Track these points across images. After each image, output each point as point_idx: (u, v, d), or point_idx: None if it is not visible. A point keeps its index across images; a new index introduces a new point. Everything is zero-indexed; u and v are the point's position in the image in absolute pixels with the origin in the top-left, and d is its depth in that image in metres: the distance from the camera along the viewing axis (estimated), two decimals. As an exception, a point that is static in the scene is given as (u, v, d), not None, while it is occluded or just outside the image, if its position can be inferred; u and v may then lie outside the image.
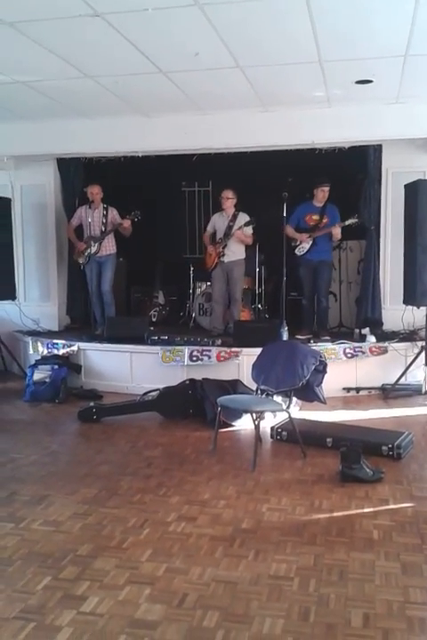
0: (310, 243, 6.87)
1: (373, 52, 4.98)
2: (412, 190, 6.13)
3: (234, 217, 7.14)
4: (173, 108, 6.59)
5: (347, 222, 6.75)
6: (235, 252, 7.14)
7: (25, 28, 4.41)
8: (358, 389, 6.33)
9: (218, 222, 7.27)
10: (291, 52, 4.95)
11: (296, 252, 6.90)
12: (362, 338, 6.66)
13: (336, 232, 6.77)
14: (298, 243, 6.89)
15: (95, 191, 7.16)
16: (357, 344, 6.42)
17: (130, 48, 4.78)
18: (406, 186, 6.29)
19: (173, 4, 4.01)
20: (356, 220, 6.75)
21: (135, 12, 4.12)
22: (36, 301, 8.00)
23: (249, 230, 7.07)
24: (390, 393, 6.18)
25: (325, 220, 6.86)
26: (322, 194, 6.86)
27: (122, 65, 5.24)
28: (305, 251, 6.90)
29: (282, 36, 4.61)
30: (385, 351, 6.36)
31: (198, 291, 8.26)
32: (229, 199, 7.10)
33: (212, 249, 7.21)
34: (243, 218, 7.12)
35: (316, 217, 6.92)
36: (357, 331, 6.97)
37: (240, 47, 4.84)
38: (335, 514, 3.48)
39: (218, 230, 7.25)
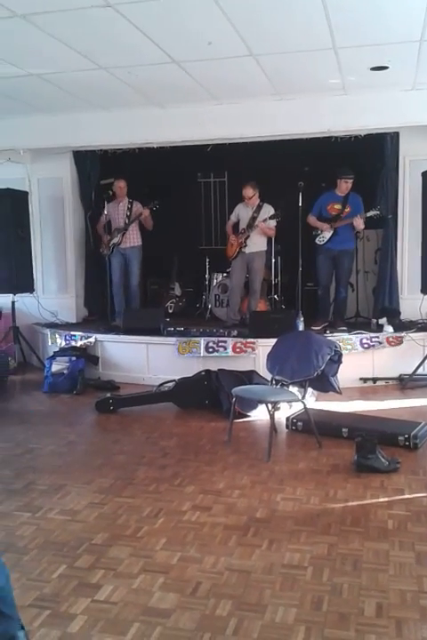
0: (331, 232, 6.80)
1: (388, 38, 4.90)
2: (430, 178, 6.04)
3: (259, 208, 7.09)
4: (187, 99, 6.57)
5: (368, 214, 6.66)
6: (257, 243, 7.11)
7: (37, 20, 4.42)
8: (374, 380, 6.28)
9: (242, 212, 7.23)
10: (305, 39, 4.89)
11: (317, 241, 6.82)
12: (379, 328, 6.60)
13: (358, 223, 6.65)
14: (319, 232, 6.82)
15: (121, 185, 7.29)
16: (374, 334, 6.37)
17: (143, 38, 4.77)
18: (423, 173, 6.21)
19: (185, -8, 3.99)
20: (378, 212, 6.66)
21: (147, 1, 4.11)
22: (54, 294, 8.07)
23: (273, 223, 7.03)
24: (407, 383, 6.13)
25: (347, 210, 6.76)
26: (345, 185, 6.74)
27: (135, 55, 5.23)
28: (326, 240, 6.82)
29: (295, 22, 4.55)
30: (402, 341, 6.30)
31: (215, 282, 8.26)
32: (250, 198, 7.04)
33: (234, 239, 7.18)
34: (267, 209, 7.06)
35: (338, 206, 6.83)
36: (374, 321, 6.91)
37: (253, 35, 4.80)
38: (350, 503, 3.47)
39: (241, 220, 7.21)
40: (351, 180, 6.75)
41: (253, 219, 7.06)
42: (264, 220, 6.98)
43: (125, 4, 4.18)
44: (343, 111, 6.52)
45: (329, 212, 6.86)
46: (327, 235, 6.81)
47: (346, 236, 6.82)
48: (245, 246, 7.09)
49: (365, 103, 6.44)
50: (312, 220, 6.85)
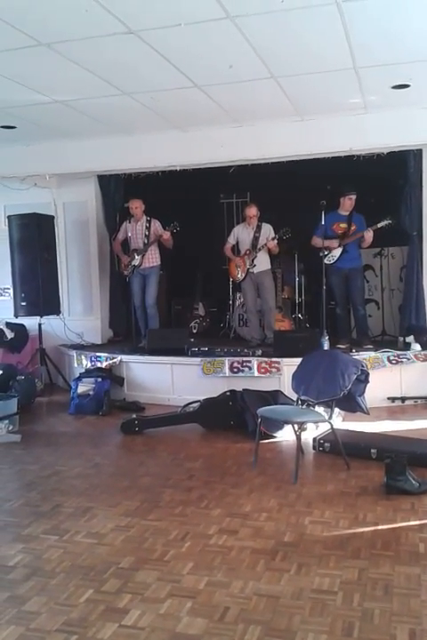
0: (340, 250, 6.77)
1: (408, 56, 4.90)
2: (454, 194, 5.98)
3: (259, 228, 7.14)
4: (209, 121, 6.64)
5: (379, 225, 6.62)
6: (263, 262, 7.17)
7: (61, 48, 4.53)
8: (403, 399, 6.18)
9: (241, 234, 7.29)
10: (325, 60, 4.92)
11: (326, 261, 6.77)
12: (406, 346, 6.51)
13: (369, 236, 6.64)
14: (327, 252, 6.77)
15: (136, 205, 7.30)
16: (401, 352, 6.28)
17: (165, 63, 4.85)
18: (447, 190, 6.15)
19: (205, 17, 4.05)
20: (389, 222, 6.61)
21: (168, 27, 4.19)
22: (80, 315, 8.15)
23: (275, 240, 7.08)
24: (436, 402, 6.03)
25: (353, 228, 6.77)
26: (349, 202, 6.77)
27: (157, 81, 5.32)
28: (335, 259, 6.80)
29: (315, 44, 4.59)
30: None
31: (238, 302, 8.26)
32: (253, 216, 7.10)
33: (240, 261, 7.21)
34: (267, 228, 7.12)
35: (343, 225, 6.83)
36: (401, 339, 6.83)
37: (273, 57, 4.84)
38: (380, 527, 3.40)
39: (241, 242, 7.28)
40: (354, 197, 6.74)
41: (256, 238, 7.09)
42: (273, 238, 7.00)
43: (148, 31, 4.27)
44: (365, 130, 6.52)
45: (335, 231, 6.84)
46: (337, 253, 6.78)
47: (355, 253, 6.83)
48: (254, 267, 7.11)
49: (386, 122, 6.43)
50: (319, 240, 6.76)
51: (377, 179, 6.79)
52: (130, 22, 4.12)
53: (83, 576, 2.94)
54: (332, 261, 6.80)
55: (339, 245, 6.77)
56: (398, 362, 6.18)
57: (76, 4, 3.83)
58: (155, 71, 5.06)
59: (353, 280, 6.84)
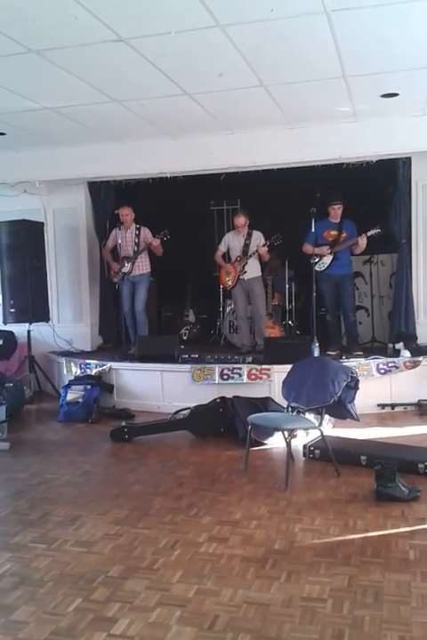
0: (331, 257, 6.80)
1: (397, 65, 4.94)
2: (443, 202, 6.03)
3: (249, 235, 7.16)
4: (199, 129, 6.65)
5: (369, 233, 6.66)
6: (254, 269, 7.19)
7: (51, 56, 4.52)
8: (393, 406, 6.20)
9: (232, 241, 7.31)
10: (314, 69, 4.95)
11: (316, 268, 6.80)
12: (396, 353, 6.54)
13: (363, 243, 6.66)
14: (317, 259, 6.80)
15: (125, 212, 7.29)
16: (390, 359, 6.30)
17: (154, 71, 4.86)
18: (436, 197, 6.20)
19: (195, 26, 4.06)
20: (378, 231, 6.65)
21: (158, 35, 4.19)
22: (69, 322, 8.12)
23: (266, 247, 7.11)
24: (426, 409, 6.04)
25: (343, 235, 6.80)
26: (334, 211, 6.82)
27: (147, 88, 5.32)
28: (326, 266, 6.83)
29: (305, 53, 4.62)
30: (419, 363, 6.22)
31: (228, 308, 8.27)
32: (242, 225, 7.13)
33: (231, 267, 7.23)
34: (257, 235, 7.15)
35: (334, 232, 6.86)
36: (390, 345, 6.85)
37: (263, 66, 4.86)
38: (370, 534, 3.40)
39: (232, 249, 7.30)
40: (340, 206, 6.78)
41: (247, 245, 7.12)
42: (264, 245, 7.02)
43: (137, 39, 4.27)
44: (354, 138, 6.56)
45: (325, 238, 6.87)
46: (327, 260, 6.81)
47: (345, 260, 6.86)
48: (244, 273, 7.13)
49: (376, 130, 6.48)
50: (309, 247, 6.81)
51: (367, 186, 6.84)
52: (120, 30, 4.12)
53: (71, 585, 2.91)
54: (322, 268, 6.83)
55: (330, 252, 6.80)
56: (386, 371, 6.20)
57: (66, 12, 3.83)
58: (145, 79, 5.07)
59: (343, 287, 6.87)
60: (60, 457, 5.13)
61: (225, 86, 5.29)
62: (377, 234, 6.66)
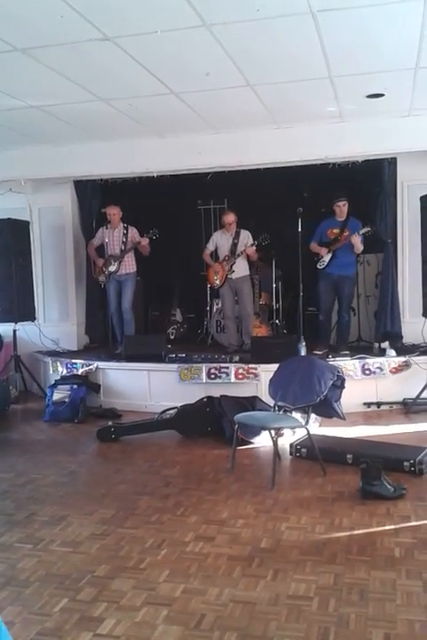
0: (330, 256, 6.83)
1: (383, 66, 4.97)
2: (428, 202, 6.09)
3: (237, 234, 7.18)
4: (186, 128, 6.64)
5: (361, 231, 6.69)
6: (241, 268, 7.21)
7: (37, 54, 4.49)
8: (378, 404, 6.25)
9: (220, 240, 7.32)
10: (301, 69, 4.97)
11: (317, 265, 6.86)
12: (382, 352, 6.58)
13: (356, 241, 6.66)
14: (320, 257, 6.87)
15: (113, 211, 7.27)
16: (376, 359, 6.34)
17: (141, 70, 4.84)
18: (421, 198, 6.26)
19: (182, 25, 4.05)
20: (368, 230, 6.69)
21: (145, 34, 4.18)
22: (56, 322, 8.08)
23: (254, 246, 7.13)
24: (411, 407, 6.09)
25: (345, 234, 6.80)
26: (338, 209, 6.83)
27: (134, 87, 5.30)
28: (325, 264, 6.86)
29: (291, 53, 4.63)
30: (407, 365, 6.26)
31: (215, 308, 8.27)
32: (231, 223, 7.14)
33: (219, 266, 7.24)
34: (246, 234, 7.17)
35: (336, 230, 6.88)
36: (376, 345, 6.90)
37: (250, 66, 4.87)
38: (356, 532, 3.42)
39: (220, 248, 7.32)
40: (344, 203, 6.81)
41: (235, 245, 7.13)
42: (252, 245, 7.04)
43: (124, 38, 4.26)
44: (340, 138, 6.58)
45: (328, 236, 6.91)
46: (327, 259, 6.85)
47: (346, 260, 6.83)
48: (232, 273, 7.14)
49: (361, 130, 6.51)
50: (313, 245, 6.91)
51: (353, 186, 6.86)
52: (106, 29, 4.10)
53: (57, 585, 2.90)
54: (322, 266, 6.87)
55: (328, 251, 6.83)
56: (371, 372, 6.24)
57: (52, 11, 3.80)
58: (131, 78, 5.05)
59: (341, 286, 6.87)
60: (46, 457, 5.10)
61: (212, 86, 5.29)
62: (367, 233, 6.70)
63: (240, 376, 6.21)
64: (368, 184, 7.07)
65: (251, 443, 5.13)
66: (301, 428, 4.65)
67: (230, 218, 7.14)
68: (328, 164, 6.87)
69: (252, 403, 5.52)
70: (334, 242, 6.84)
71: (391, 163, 6.90)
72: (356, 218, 6.83)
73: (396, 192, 7.01)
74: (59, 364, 7.00)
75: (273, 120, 6.45)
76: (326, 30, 4.22)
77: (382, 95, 5.68)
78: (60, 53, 4.48)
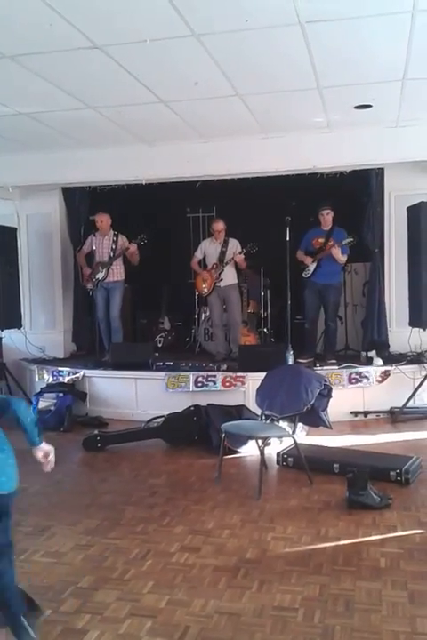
0: (315, 265, 6.87)
1: (371, 77, 5.01)
2: (415, 213, 6.13)
3: (226, 242, 7.19)
4: (175, 137, 6.65)
5: (344, 242, 6.74)
6: (229, 276, 7.21)
7: (26, 61, 4.48)
8: (365, 413, 6.26)
9: (209, 248, 7.32)
10: (289, 80, 5.00)
11: (303, 274, 6.90)
12: (369, 361, 6.61)
13: (335, 252, 6.72)
14: (306, 266, 6.90)
15: (101, 219, 7.26)
16: (363, 368, 6.36)
17: (130, 79, 4.84)
18: (408, 208, 6.30)
19: (171, 34, 4.06)
20: (351, 240, 6.74)
21: (134, 43, 4.18)
22: (42, 329, 8.01)
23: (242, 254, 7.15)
24: (398, 416, 6.11)
25: (330, 243, 6.85)
26: (323, 218, 6.89)
27: (123, 95, 5.30)
28: (310, 273, 6.91)
29: (279, 63, 4.65)
30: (389, 374, 6.30)
31: (204, 316, 8.25)
32: (220, 231, 7.15)
33: (207, 275, 7.24)
34: (234, 243, 7.18)
35: (321, 240, 6.93)
36: (363, 353, 6.92)
37: (238, 75, 4.89)
38: (342, 542, 3.42)
39: (208, 256, 7.32)
40: (328, 212, 6.86)
41: (223, 253, 7.14)
42: (240, 252, 7.05)
43: (113, 46, 4.26)
44: (328, 148, 6.62)
45: (314, 245, 6.96)
46: (312, 268, 6.89)
47: (330, 269, 6.88)
48: (221, 280, 7.15)
49: (349, 140, 6.56)
50: (299, 254, 6.96)
51: (340, 196, 6.90)
52: (95, 37, 4.10)
53: (41, 596, 2.85)
54: (307, 275, 6.92)
55: (313, 260, 6.86)
56: (358, 381, 6.26)
57: (41, 19, 3.79)
58: (120, 86, 5.05)
59: (326, 295, 6.91)
60: (30, 466, 4.99)
61: (201, 95, 5.30)
62: (350, 243, 6.74)
63: (228, 384, 6.20)
64: (356, 194, 7.11)
65: (238, 452, 5.12)
66: (288, 438, 4.65)
67: (219, 225, 7.15)
68: (316, 173, 6.90)
69: (239, 411, 5.51)
70: (319, 251, 6.89)
71: (379, 173, 6.95)
72: (342, 227, 6.87)
73: (383, 202, 7.05)
74: (45, 371, 6.95)
75: (262, 129, 6.47)
76: (315, 41, 4.25)
77: (369, 106, 5.73)
78: (49, 61, 4.47)
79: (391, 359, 6.61)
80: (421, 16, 3.90)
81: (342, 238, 6.80)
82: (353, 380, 6.24)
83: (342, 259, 6.81)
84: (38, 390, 6.60)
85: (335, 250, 6.71)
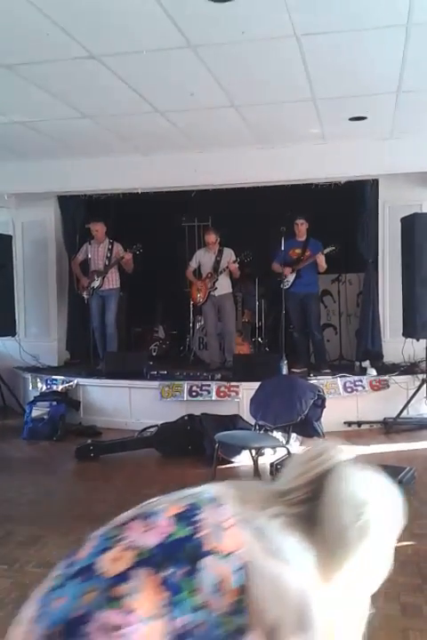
0: (294, 276, 6.90)
1: (365, 90, 5.06)
2: (408, 224, 6.17)
3: (220, 252, 7.21)
4: (170, 146, 6.67)
5: (325, 251, 6.78)
6: (224, 285, 7.22)
7: (22, 71, 4.50)
8: (359, 423, 6.26)
9: (203, 258, 7.34)
10: (284, 91, 5.04)
11: (282, 286, 6.90)
12: (363, 371, 6.62)
13: (320, 260, 6.77)
14: (284, 277, 6.91)
15: (96, 228, 7.27)
16: (357, 377, 6.38)
17: (126, 89, 4.87)
18: (402, 219, 6.33)
19: (167, 45, 4.09)
20: (333, 248, 6.78)
21: (130, 54, 4.22)
22: (36, 337, 7.99)
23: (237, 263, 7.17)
24: (392, 427, 6.11)
25: (307, 253, 6.90)
26: (297, 228, 6.94)
27: (119, 105, 5.33)
28: (290, 284, 6.94)
29: (275, 75, 4.69)
30: (386, 385, 6.32)
31: (198, 325, 8.26)
32: (213, 243, 7.18)
33: (201, 284, 7.25)
34: (228, 252, 7.20)
35: (298, 250, 6.98)
36: (357, 363, 6.94)
37: (234, 87, 4.92)
38: (334, 553, 3.40)
39: (203, 265, 7.34)
40: (302, 222, 6.90)
41: (218, 262, 7.16)
42: (234, 261, 7.07)
43: (109, 57, 4.29)
44: (323, 160, 6.67)
45: (291, 256, 6.97)
46: (291, 278, 6.93)
47: (309, 279, 6.94)
48: (215, 290, 7.16)
49: (344, 152, 6.60)
50: (276, 266, 6.95)
51: (335, 206, 6.94)
52: (91, 47, 4.13)
53: (32, 608, 2.83)
54: (287, 286, 6.93)
55: (292, 271, 6.89)
56: (353, 389, 6.27)
57: (38, 28, 3.82)
58: (116, 96, 5.08)
59: (308, 305, 6.95)
60: (23, 475, 5.02)
61: (196, 106, 5.34)
62: (332, 251, 6.78)
63: (222, 394, 6.19)
64: (350, 205, 7.15)
65: (231, 462, 5.10)
66: (281, 448, 4.64)
67: (212, 237, 7.15)
68: (311, 184, 6.94)
69: (233, 421, 5.50)
70: (297, 262, 6.92)
71: (373, 184, 6.99)
72: (337, 238, 6.90)
73: (377, 213, 7.10)
74: (38, 379, 6.92)
75: (257, 140, 6.51)
76: (310, 54, 4.29)
77: (364, 118, 5.77)
78: (45, 70, 4.50)
79: (385, 369, 6.63)
80: (415, 29, 3.94)
81: (318, 249, 6.84)
82: (348, 389, 6.26)
83: (325, 266, 6.86)
84: (32, 399, 6.57)
85: (321, 257, 6.75)
